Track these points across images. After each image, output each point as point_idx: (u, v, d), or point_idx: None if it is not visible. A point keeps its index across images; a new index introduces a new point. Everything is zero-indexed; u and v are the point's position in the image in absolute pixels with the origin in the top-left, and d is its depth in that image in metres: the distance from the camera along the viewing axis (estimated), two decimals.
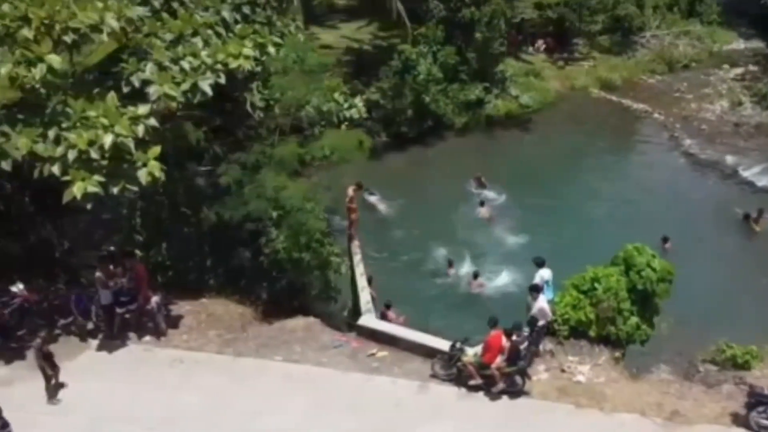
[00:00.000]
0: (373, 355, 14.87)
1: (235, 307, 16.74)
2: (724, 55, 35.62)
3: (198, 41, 15.28)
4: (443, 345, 14.46)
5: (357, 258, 17.47)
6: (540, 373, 14.16)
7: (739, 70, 33.41)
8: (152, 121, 13.57)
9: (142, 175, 13.32)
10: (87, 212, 19.14)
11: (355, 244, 17.97)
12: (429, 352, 14.58)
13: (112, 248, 16.31)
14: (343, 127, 19.53)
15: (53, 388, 13.89)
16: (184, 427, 13.21)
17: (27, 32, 12.89)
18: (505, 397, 13.71)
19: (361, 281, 16.72)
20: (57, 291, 15.72)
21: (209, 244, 17.67)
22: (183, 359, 14.77)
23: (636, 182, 24.96)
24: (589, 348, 14.73)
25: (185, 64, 14.56)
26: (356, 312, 16.88)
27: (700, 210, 23.11)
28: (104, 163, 13.15)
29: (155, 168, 13.34)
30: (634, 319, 14.50)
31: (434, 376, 14.16)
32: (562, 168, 26.01)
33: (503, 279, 20.23)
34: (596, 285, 14.52)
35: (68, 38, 13.25)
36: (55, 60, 12.83)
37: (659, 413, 13.33)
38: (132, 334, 15.49)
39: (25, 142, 12.80)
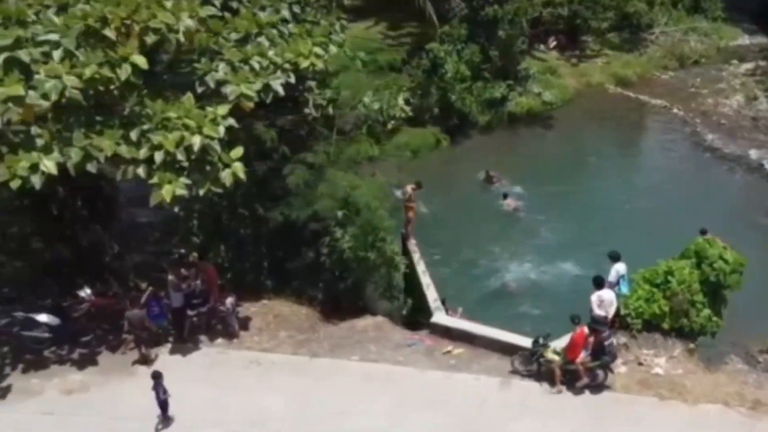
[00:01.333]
0: (449, 352, 14.91)
1: (298, 308, 16.69)
2: (731, 51, 36.12)
3: (264, 41, 15.23)
4: (520, 341, 14.56)
5: (416, 256, 17.47)
6: (618, 366, 14.26)
7: (749, 66, 33.91)
8: (231, 122, 13.48)
9: (227, 177, 13.23)
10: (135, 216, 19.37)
11: (412, 243, 17.95)
12: (505, 348, 14.67)
13: (182, 251, 16.13)
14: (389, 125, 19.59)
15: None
16: (272, 428, 13.18)
17: (109, 32, 12.71)
18: (587, 392, 13.82)
19: (425, 279, 16.71)
20: (129, 295, 15.54)
21: (266, 244, 17.58)
22: (259, 361, 14.70)
23: (663, 177, 25.26)
24: (662, 341, 14.90)
25: (255, 64, 14.50)
26: (417, 310, 16.91)
27: (730, 203, 23.43)
28: (185, 164, 13.09)
29: (239, 169, 13.26)
30: (707, 311, 14.69)
31: (514, 372, 14.24)
32: (588, 163, 26.31)
33: (541, 272, 20.31)
34: (669, 278, 14.67)
35: (149, 39, 13.10)
36: (141, 61, 12.68)
37: (742, 403, 13.54)
38: (202, 337, 15.40)
39: (109, 144, 12.64)
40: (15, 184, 12.05)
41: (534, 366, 14.04)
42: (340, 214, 16.08)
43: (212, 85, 13.93)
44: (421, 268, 17.05)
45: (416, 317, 16.72)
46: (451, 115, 27.36)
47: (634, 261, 15.83)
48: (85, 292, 15.37)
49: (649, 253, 17.15)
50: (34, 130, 12.63)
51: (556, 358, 13.75)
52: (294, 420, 13.31)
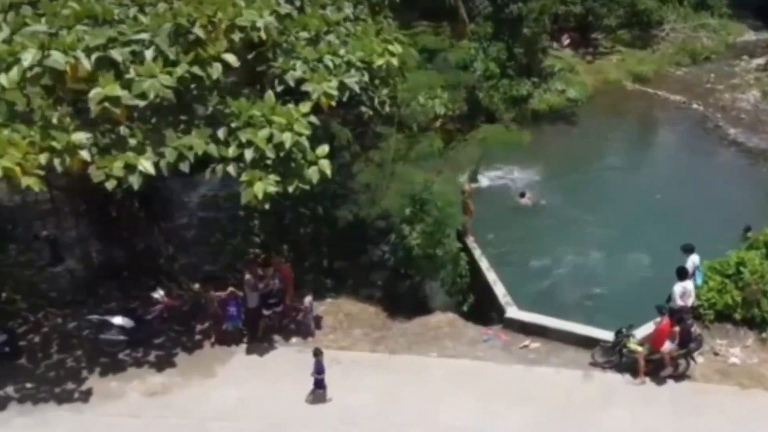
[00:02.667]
0: (526, 346, 15.03)
1: (365, 306, 16.69)
2: (740, 47, 36.69)
3: (333, 39, 15.24)
4: (597, 333, 14.73)
5: (477, 252, 17.56)
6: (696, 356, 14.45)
7: (760, 61, 34.43)
8: (314, 120, 13.46)
9: (314, 174, 13.22)
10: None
11: (471, 239, 18.03)
12: (581, 341, 14.82)
13: (258, 251, 16.04)
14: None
15: None
16: (365, 426, 13.17)
17: (198, 31, 12.63)
18: (670, 382, 14.02)
19: (490, 275, 16.80)
20: (208, 295, 15.46)
21: (326, 243, 17.60)
22: (339, 359, 14.66)
23: (692, 170, 25.51)
24: (734, 331, 15.16)
25: (329, 62, 14.49)
26: (478, 306, 16.99)
27: (758, 196, 23.74)
28: (269, 163, 13.05)
29: (326, 167, 13.25)
30: None
31: (594, 364, 14.39)
32: (616, 158, 26.56)
33: (586, 265, 20.40)
34: (741, 269, 14.92)
35: (236, 37, 13.04)
36: (232, 59, 12.62)
37: None
38: (277, 337, 15.36)
39: (199, 143, 12.57)
40: (110, 185, 11.94)
41: (616, 357, 14.19)
42: (408, 211, 16.12)
43: (292, 83, 13.91)
44: (484, 264, 17.14)
45: (480, 313, 16.80)
46: (478, 113, 27.44)
47: (672, 251, 16.09)
48: (159, 294, 15.26)
49: (677, 242, 17.07)
50: (123, 130, 12.57)
51: (640, 348, 13.93)
52: (385, 417, 13.32)
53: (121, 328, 14.85)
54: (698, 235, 18.21)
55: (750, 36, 38.26)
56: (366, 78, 14.84)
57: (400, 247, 16.47)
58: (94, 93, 11.63)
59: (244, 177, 12.57)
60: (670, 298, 14.65)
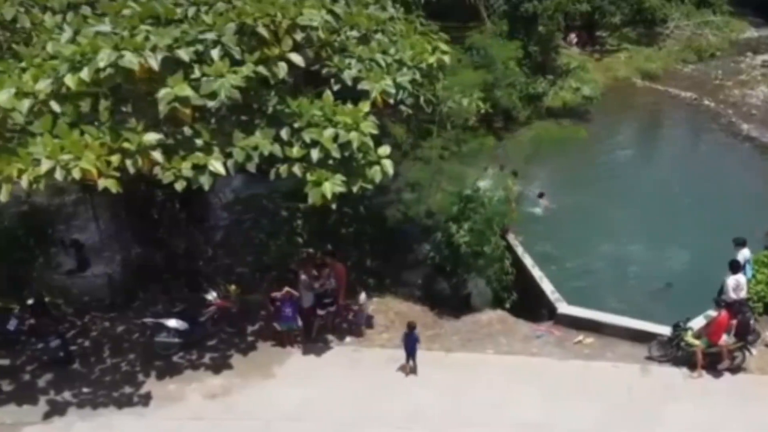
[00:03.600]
0: (580, 342, 15.12)
1: (412, 305, 16.72)
2: (743, 44, 37.20)
3: (382, 38, 15.22)
4: (651, 327, 14.86)
5: (520, 250, 17.62)
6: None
7: (765, 57, 34.96)
8: (373, 119, 13.44)
9: (376, 174, 13.19)
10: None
11: (512, 237, 18.09)
12: (635, 336, 14.95)
13: (311, 250, 15.99)
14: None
15: None
16: (432, 423, 13.19)
17: (262, 30, 12.55)
18: (727, 374, 14.18)
19: (536, 272, 16.88)
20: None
21: (369, 242, 17.59)
22: (397, 358, 14.65)
23: (709, 165, 25.72)
24: None
25: (381, 61, 14.48)
26: (523, 303, 17.04)
27: None
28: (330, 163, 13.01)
29: (388, 166, 13.23)
30: None
31: (650, 358, 14.51)
32: (633, 155, 26.78)
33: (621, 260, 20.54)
34: None
35: (298, 36, 12.98)
36: (297, 59, 12.56)
37: None
38: (331, 336, 15.33)
39: (264, 143, 12.50)
40: (180, 186, 11.84)
41: (673, 351, 14.32)
42: (455, 209, 16.15)
43: (349, 82, 13.86)
44: (528, 261, 17.20)
45: (523, 310, 16.84)
46: (496, 111, 27.52)
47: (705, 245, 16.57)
48: (212, 295, 15.16)
49: (708, 237, 18.75)
50: (187, 130, 12.47)
51: (698, 342, 14.07)
52: (451, 414, 13.35)
53: (176, 331, 14.75)
54: (724, 228, 18.57)
55: (752, 33, 38.81)
56: (417, 76, 14.87)
57: (447, 246, 16.43)
58: (164, 93, 11.52)
59: (311, 177, 12.52)
60: (722, 291, 14.82)
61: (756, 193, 23.36)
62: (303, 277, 14.79)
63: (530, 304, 16.82)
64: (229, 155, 12.29)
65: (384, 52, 14.70)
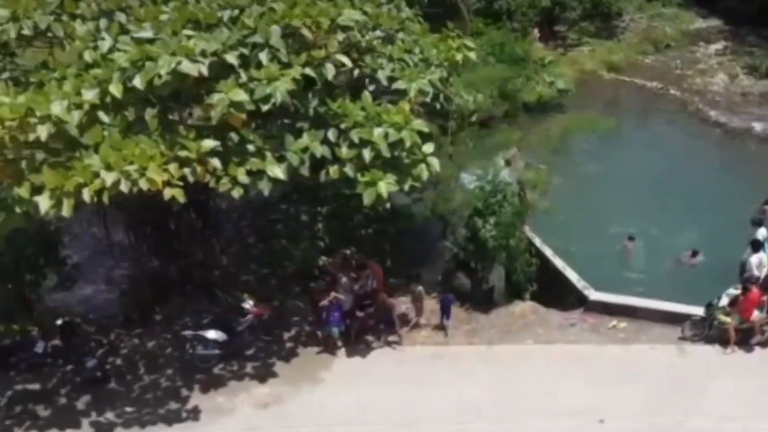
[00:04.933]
0: (614, 327, 15.49)
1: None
2: (694, 34, 38.46)
3: (405, 36, 15.26)
4: (683, 308, 15.35)
5: (538, 241, 17.87)
6: None
7: (717, 47, 36.22)
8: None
9: (422, 171, 13.21)
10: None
11: (527, 228, 18.33)
12: (666, 317, 15.41)
13: (347, 251, 15.86)
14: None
15: None
16: (488, 416, 13.31)
17: (306, 32, 12.43)
18: (758, 348, 14.76)
19: (558, 261, 17.18)
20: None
21: (390, 242, 17.59)
22: (440, 354, 14.79)
23: (685, 151, 26.58)
24: None
25: (408, 60, 14.53)
26: (544, 293, 17.31)
27: (753, 172, 25.10)
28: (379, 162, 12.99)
29: (435, 163, 13.26)
30: None
31: (684, 338, 14.99)
32: (615, 143, 27.38)
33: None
34: None
35: (339, 36, 12.89)
36: (346, 60, 12.48)
37: None
38: (370, 337, 15.28)
39: (315, 146, 12.38)
40: (237, 193, 11.63)
41: (706, 330, 14.83)
42: (480, 203, 16.31)
43: (385, 82, 13.84)
44: (549, 251, 17.49)
45: (545, 300, 17.10)
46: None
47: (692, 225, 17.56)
48: (248, 304, 14.90)
49: (702, 218, 19.64)
50: (234, 136, 12.23)
51: (729, 319, 14.62)
52: (503, 406, 13.51)
53: (215, 342, 14.46)
54: (717, 209, 20.12)
55: (700, 24, 40.18)
56: (445, 74, 14.99)
57: (471, 241, 16.56)
58: (219, 98, 11.30)
59: (365, 177, 12.45)
60: (743, 270, 15.44)
61: (737, 175, 24.36)
62: (343, 279, 14.70)
63: (552, 294, 17.07)
64: (280, 159, 12.14)
65: (409, 51, 14.78)
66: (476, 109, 18.10)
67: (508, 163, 23.68)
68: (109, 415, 13.50)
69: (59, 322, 14.90)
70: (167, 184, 10.72)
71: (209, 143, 11.31)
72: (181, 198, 10.77)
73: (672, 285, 17.53)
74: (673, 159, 25.84)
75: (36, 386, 14.25)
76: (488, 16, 28.97)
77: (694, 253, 17.92)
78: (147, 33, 11.89)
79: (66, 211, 10.36)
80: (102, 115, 11.24)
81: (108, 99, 11.25)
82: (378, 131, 12.65)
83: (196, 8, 12.58)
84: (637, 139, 28.46)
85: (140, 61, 11.04)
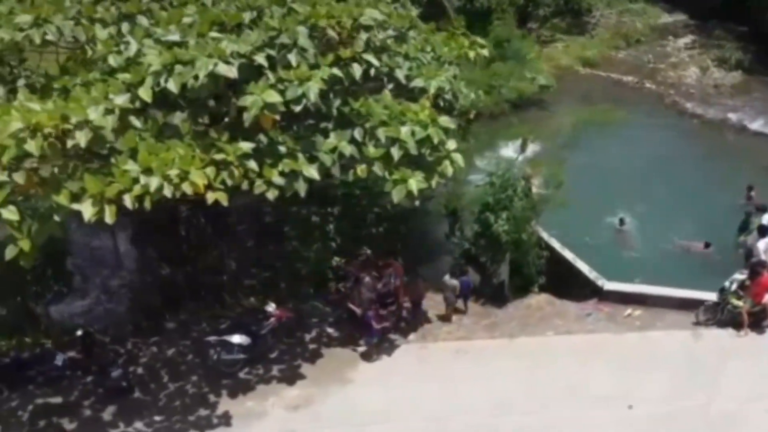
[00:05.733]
0: (629, 315, 15.81)
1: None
2: (662, 28, 39.34)
3: (415, 35, 15.35)
4: (695, 294, 15.76)
5: (545, 234, 18.09)
6: None
7: (686, 40, 37.11)
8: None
9: (447, 168, 13.30)
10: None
11: (533, 223, 18.56)
12: (679, 304, 15.81)
13: (368, 251, 15.84)
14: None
15: None
16: (522, 408, 13.51)
17: (331, 32, 12.42)
18: None
19: (567, 253, 17.44)
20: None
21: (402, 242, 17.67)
22: (465, 349, 14.93)
23: (668, 142, 27.20)
24: None
25: (422, 59, 14.63)
26: (553, 284, 17.56)
27: (732, 161, 25.86)
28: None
29: (458, 159, 13.36)
30: None
31: (697, 323, 15.39)
32: (600, 137, 27.92)
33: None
34: None
35: (363, 36, 12.90)
36: (373, 59, 12.50)
37: None
38: (393, 335, 15.33)
39: (344, 145, 12.38)
40: (272, 195, 11.56)
41: (717, 314, 15.25)
42: (491, 199, 16.48)
43: (403, 80, 13.90)
44: (557, 244, 17.73)
45: (554, 291, 17.35)
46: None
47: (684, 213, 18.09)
48: (271, 307, 14.81)
49: (692, 206, 20.34)
50: (263, 137, 12.16)
51: (742, 303, 15.05)
52: (535, 397, 13.72)
53: (239, 346, 14.33)
54: (705, 197, 21.07)
55: (667, 18, 41.12)
56: (457, 72, 15.13)
57: (483, 236, 16.71)
58: (252, 100, 11.21)
59: (395, 175, 12.49)
60: (750, 255, 15.93)
61: (719, 164, 25.04)
62: (367, 279, 14.72)
63: (561, 285, 17.31)
64: (311, 160, 12.10)
65: (421, 50, 14.89)
66: (472, 105, 18.14)
67: (523, 146, 23.86)
68: (138, 425, 13.30)
69: (79, 333, 14.58)
70: (208, 187, 10.61)
71: (246, 145, 11.23)
72: (225, 201, 10.69)
73: (669, 271, 18.05)
74: (656, 150, 26.42)
75: (58, 399, 13.93)
76: (469, 15, 29.16)
77: (707, 245, 18.32)
78: (174, 36, 11.76)
79: (109, 217, 10.16)
80: (134, 120, 11.05)
81: (137, 104, 11.09)
82: (405, 129, 12.71)
83: (218, 10, 12.49)
84: (619, 132, 29.02)
85: (173, 64, 10.90)
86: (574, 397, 13.67)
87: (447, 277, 15.77)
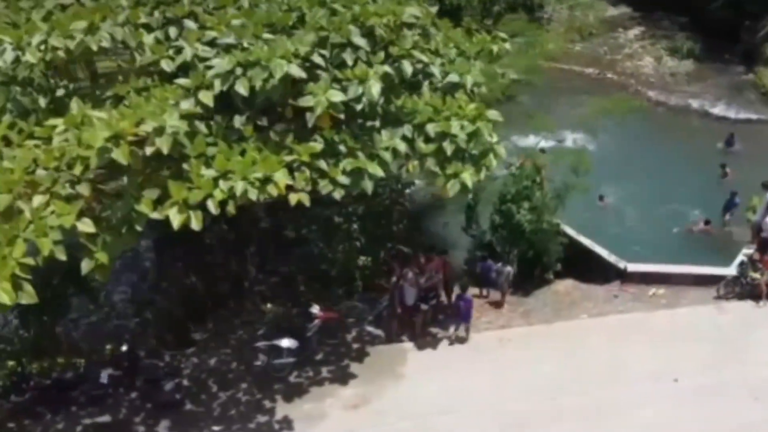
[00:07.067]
0: (654, 294, 16.43)
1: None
2: (610, 21, 40.66)
3: (435, 32, 15.56)
4: (714, 270, 16.54)
5: (558, 221, 18.56)
6: None
7: (635, 32, 38.49)
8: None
9: (491, 161, 13.52)
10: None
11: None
12: (698, 280, 16.54)
13: (401, 247, 15.94)
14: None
15: None
16: (573, 390, 13.88)
17: (382, 30, 12.48)
18: None
19: (584, 239, 17.94)
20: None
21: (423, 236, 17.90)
22: (507, 337, 15.23)
23: (636, 129, 28.33)
24: None
25: (450, 54, 14.86)
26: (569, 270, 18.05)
27: (701, 145, 27.11)
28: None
29: (502, 151, 13.60)
30: None
31: (719, 297, 16.14)
32: (573, 127, 28.81)
33: None
34: None
35: (408, 33, 13.01)
36: (422, 56, 12.64)
37: None
38: (434, 329, 15.49)
39: (399, 143, 12.46)
40: (339, 194, 11.54)
41: (738, 288, 16.04)
42: (513, 189, 16.83)
43: (439, 76, 14.06)
44: (571, 231, 18.22)
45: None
46: None
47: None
48: (315, 309, 14.73)
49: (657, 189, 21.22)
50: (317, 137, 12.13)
51: (759, 276, 15.88)
52: (582, 379, 14.12)
53: (289, 350, 14.22)
54: (689, 180, 22.08)
55: (613, 11, 42.47)
56: (482, 66, 15.40)
57: (504, 227, 17.05)
58: (317, 100, 11.20)
59: (449, 170, 12.64)
60: (760, 230, 16.82)
61: (688, 146, 26.21)
62: (410, 274, 14.82)
63: (580, 271, 17.80)
64: (370, 158, 12.13)
65: (445, 46, 15.11)
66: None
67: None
68: None
69: (124, 348, 14.18)
70: (289, 188, 10.55)
71: (317, 146, 11.21)
72: (307, 202, 10.63)
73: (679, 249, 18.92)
74: (630, 136, 27.53)
75: (106, 418, 13.52)
76: (439, 13, 29.49)
77: (707, 222, 19.18)
78: (229, 39, 11.61)
79: (196, 224, 10.00)
80: (200, 125, 10.88)
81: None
82: (455, 124, 12.89)
83: (265, 12, 12.40)
84: (595, 120, 29.95)
85: (242, 67, 10.78)
86: (620, 375, 14.15)
87: (500, 265, 16.04)
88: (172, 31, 12.06)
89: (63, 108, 11.83)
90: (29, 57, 11.19)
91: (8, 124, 11.18)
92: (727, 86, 32.01)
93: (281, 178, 10.35)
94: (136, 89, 11.45)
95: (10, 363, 14.44)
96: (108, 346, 15.21)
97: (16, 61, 11.31)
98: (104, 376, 13.75)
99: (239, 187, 10.10)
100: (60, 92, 12.32)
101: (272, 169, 10.33)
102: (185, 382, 14.33)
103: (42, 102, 11.83)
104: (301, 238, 17.40)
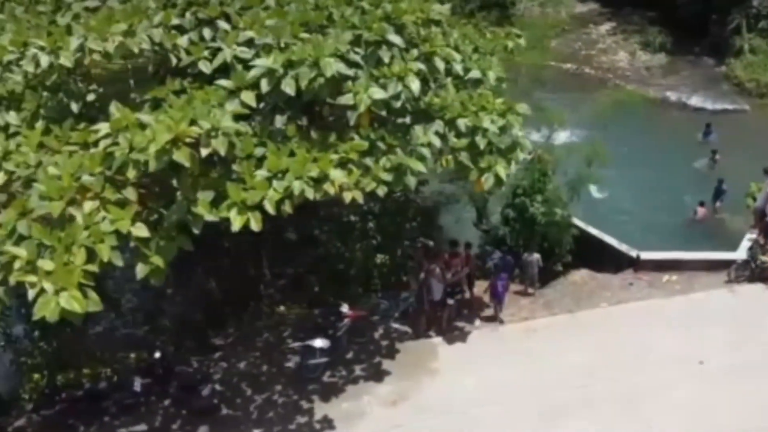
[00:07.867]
0: (668, 280, 16.84)
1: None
2: (579, 17, 41.55)
3: (449, 29, 15.70)
4: (724, 256, 17.02)
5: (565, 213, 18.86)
6: None
7: (606, 27, 39.41)
8: None
9: (518, 155, 13.69)
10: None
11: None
12: (708, 265, 17.00)
13: (431, 243, 16.01)
14: None
15: None
16: (604, 376, 14.12)
17: (414, 28, 12.56)
18: None
19: (594, 230, 18.28)
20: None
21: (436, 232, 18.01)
22: (533, 328, 15.45)
23: (619, 121, 28.86)
24: None
25: (467, 50, 15.03)
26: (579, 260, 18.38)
27: (680, 135, 27.89)
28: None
29: (527, 144, 13.76)
30: None
31: (730, 281, 16.62)
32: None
33: None
34: None
35: (436, 30, 13.12)
36: (454, 54, 12.78)
37: None
38: (460, 324, 15.62)
39: (434, 138, 12.54)
40: (382, 191, 11.56)
41: (748, 271, 16.55)
42: (526, 183, 17.08)
43: (461, 72, 14.20)
44: (580, 222, 18.54)
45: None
46: None
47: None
48: (344, 308, 14.72)
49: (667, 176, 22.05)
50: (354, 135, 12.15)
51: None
52: (612, 365, 14.37)
53: (322, 350, 14.19)
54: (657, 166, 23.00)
55: (581, 8, 43.38)
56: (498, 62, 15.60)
57: (517, 220, 17.29)
58: (360, 98, 11.21)
59: (483, 163, 12.78)
60: (763, 215, 17.38)
61: (671, 136, 27.01)
62: (437, 271, 14.92)
63: (590, 260, 18.13)
64: (409, 154, 12.19)
65: (462, 42, 15.26)
66: None
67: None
68: None
69: (157, 355, 13.95)
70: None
71: (363, 143, 11.22)
72: (361, 199, 10.64)
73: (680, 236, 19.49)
74: (616, 127, 28.02)
75: (142, 427, 13.31)
76: None
77: (702, 204, 19.92)
78: (267, 39, 11.55)
79: (255, 225, 9.93)
80: (245, 126, 10.82)
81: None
82: (486, 118, 13.04)
83: (297, 12, 12.36)
84: (581, 115, 30.49)
85: (290, 66, 10.75)
86: (647, 359, 14.46)
87: (527, 255, 16.24)
88: (207, 33, 11.93)
89: (96, 112, 11.64)
90: (64, 61, 10.92)
91: (42, 129, 10.97)
92: (701, 78, 33.01)
93: (338, 176, 10.36)
94: (174, 92, 11.33)
95: (36, 376, 14.12)
96: (132, 354, 14.99)
97: (50, 66, 11.06)
98: (137, 384, 13.53)
99: (296, 186, 10.08)
100: (90, 97, 12.10)
101: (327, 168, 10.33)
102: (218, 387, 14.19)
103: (74, 107, 11.62)
104: (313, 238, 17.35)
